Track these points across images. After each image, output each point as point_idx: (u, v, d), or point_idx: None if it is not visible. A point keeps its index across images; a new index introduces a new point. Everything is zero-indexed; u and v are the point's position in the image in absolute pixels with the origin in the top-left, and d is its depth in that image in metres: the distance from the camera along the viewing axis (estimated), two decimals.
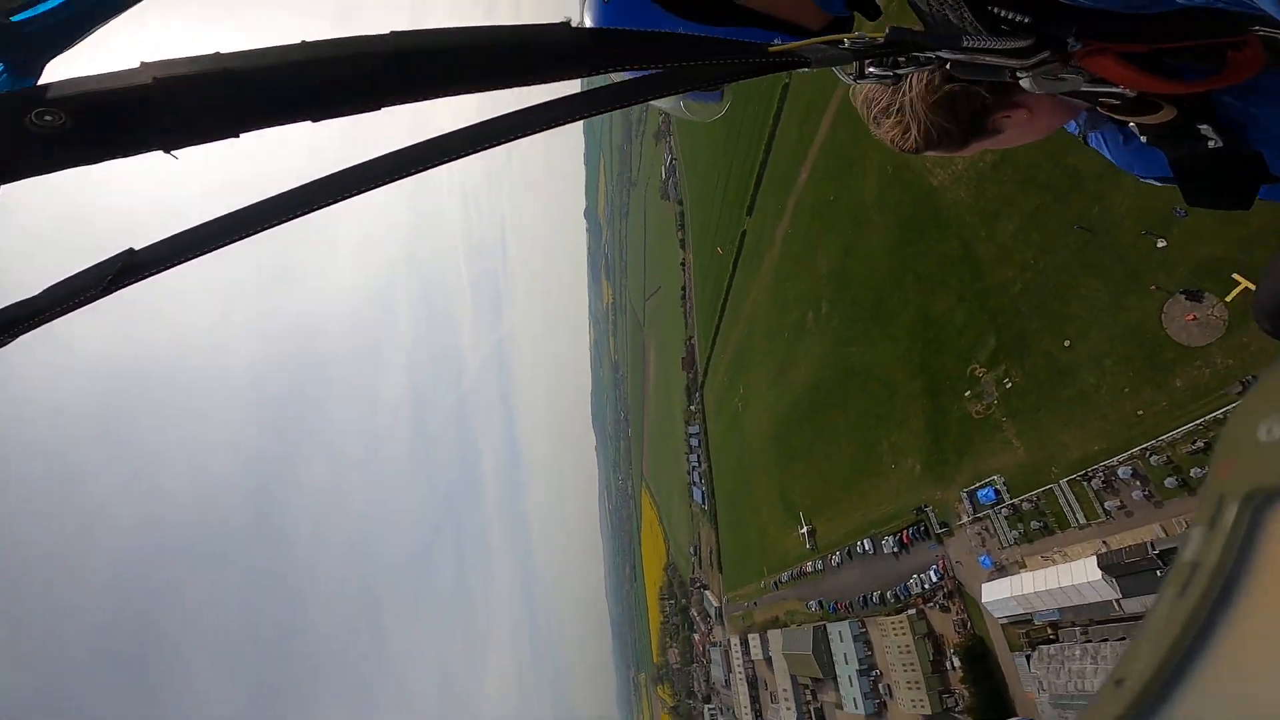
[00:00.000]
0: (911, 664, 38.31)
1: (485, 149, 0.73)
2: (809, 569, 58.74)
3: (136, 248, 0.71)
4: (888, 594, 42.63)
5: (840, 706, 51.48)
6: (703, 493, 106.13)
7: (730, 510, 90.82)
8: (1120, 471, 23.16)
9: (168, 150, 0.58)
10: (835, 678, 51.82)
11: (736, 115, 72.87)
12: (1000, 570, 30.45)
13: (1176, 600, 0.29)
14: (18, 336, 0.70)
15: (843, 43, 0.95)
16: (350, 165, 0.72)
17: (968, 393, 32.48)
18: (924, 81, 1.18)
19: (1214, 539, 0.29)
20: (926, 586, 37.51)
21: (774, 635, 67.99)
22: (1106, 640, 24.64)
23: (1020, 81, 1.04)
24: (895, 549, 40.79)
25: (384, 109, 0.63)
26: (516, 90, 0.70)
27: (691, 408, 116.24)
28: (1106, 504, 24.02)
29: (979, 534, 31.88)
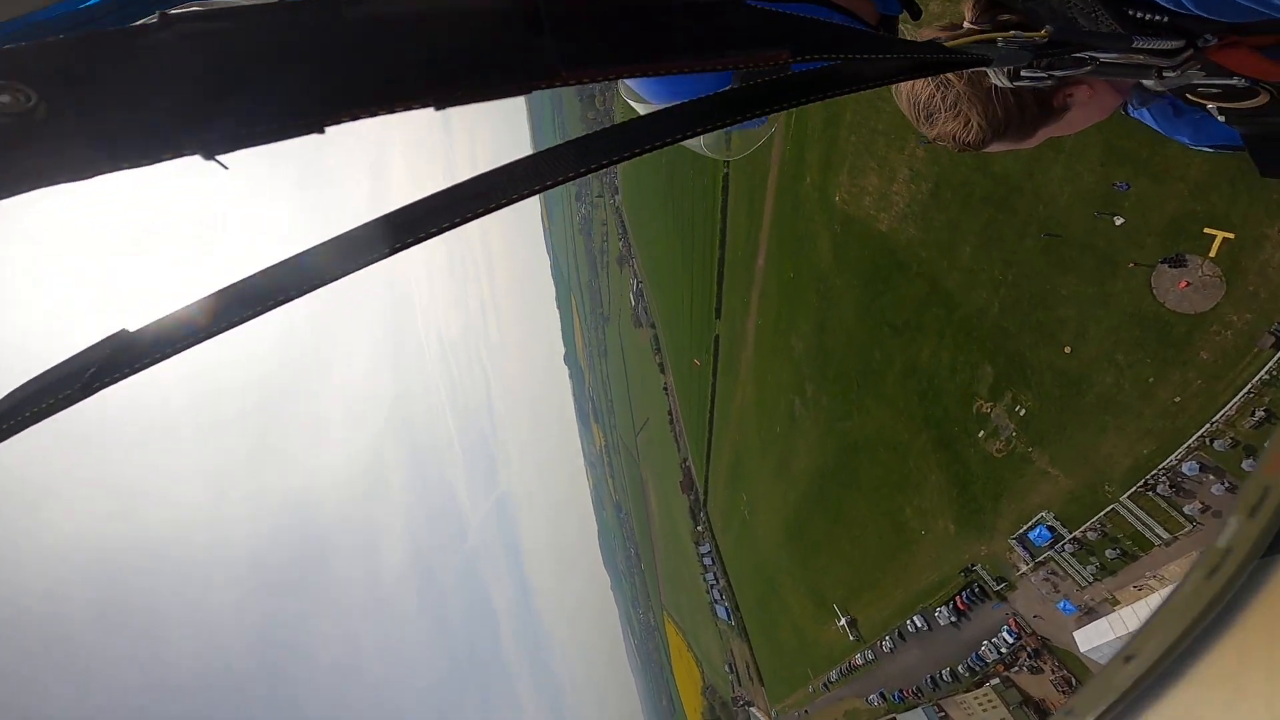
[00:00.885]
0: None
1: (589, 173, 0.53)
2: (858, 661, 51.78)
3: (131, 328, 0.52)
4: (959, 669, 36.83)
5: None
6: (726, 609, 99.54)
7: (758, 618, 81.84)
8: (1185, 468, 20.06)
9: (209, 155, 0.36)
10: None
11: (686, 219, 77.99)
12: (1088, 613, 25.95)
13: (1203, 582, 0.28)
14: None
15: (998, 43, 0.93)
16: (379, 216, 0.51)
17: (981, 432, 29.76)
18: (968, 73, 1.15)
19: (1250, 528, 0.28)
20: (1003, 651, 32.44)
21: None
22: None
23: (1155, 81, 1.06)
24: (952, 619, 35.81)
25: (532, 91, 0.42)
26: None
27: (698, 528, 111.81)
28: (1185, 509, 20.44)
29: (1047, 580, 27.65)
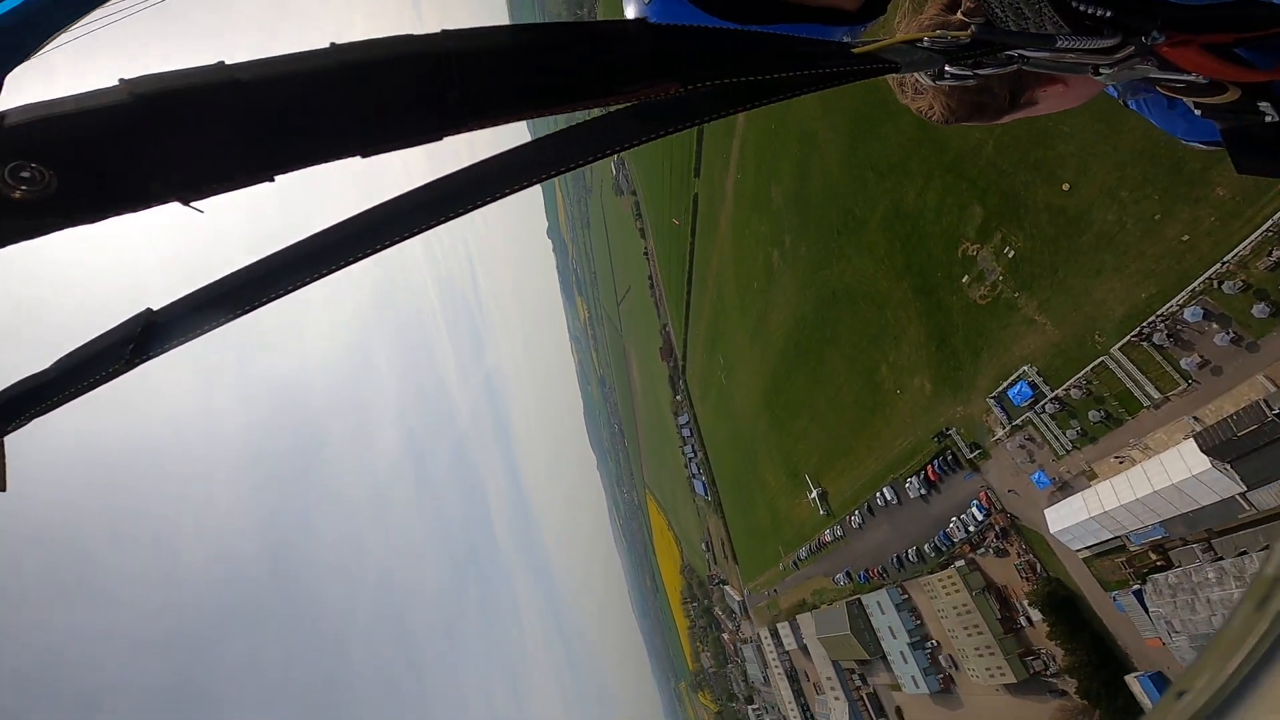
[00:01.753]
0: (976, 626, 32.36)
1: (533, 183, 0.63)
2: (828, 538, 53.36)
3: (155, 307, 0.59)
4: (925, 548, 36.48)
5: (898, 688, 45.09)
6: (703, 483, 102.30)
7: (734, 494, 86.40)
8: (1187, 314, 18.15)
9: (185, 201, 0.44)
10: (884, 656, 45.56)
11: None
12: (1063, 488, 24.27)
13: (1253, 614, 0.26)
14: (29, 421, 0.60)
15: (922, 42, 0.93)
16: (385, 200, 0.60)
17: (965, 277, 27.93)
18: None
19: None
20: (971, 530, 31.32)
21: (804, 620, 62.21)
22: (1246, 552, 17.64)
23: (1098, 75, 1.07)
24: (922, 491, 34.92)
25: (445, 138, 0.49)
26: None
27: (677, 397, 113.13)
28: (1182, 363, 18.58)
29: (1022, 447, 26.11)
